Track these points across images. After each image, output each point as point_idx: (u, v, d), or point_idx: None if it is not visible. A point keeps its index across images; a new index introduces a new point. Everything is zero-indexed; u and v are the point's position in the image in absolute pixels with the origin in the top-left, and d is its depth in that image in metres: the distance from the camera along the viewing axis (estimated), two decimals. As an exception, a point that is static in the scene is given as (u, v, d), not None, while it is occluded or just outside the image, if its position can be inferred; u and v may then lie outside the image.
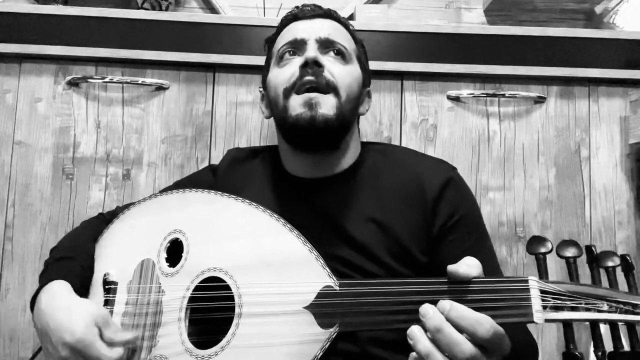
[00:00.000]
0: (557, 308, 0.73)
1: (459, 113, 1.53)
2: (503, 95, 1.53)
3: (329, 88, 1.07)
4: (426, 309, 0.74)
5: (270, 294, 0.92)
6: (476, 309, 0.73)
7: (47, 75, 1.51)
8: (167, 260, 1.05)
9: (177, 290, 1.00)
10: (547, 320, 0.73)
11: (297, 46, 1.14)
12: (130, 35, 1.49)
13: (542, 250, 0.81)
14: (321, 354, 0.85)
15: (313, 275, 0.90)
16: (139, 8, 1.83)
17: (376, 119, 1.53)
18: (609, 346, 0.74)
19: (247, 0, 1.99)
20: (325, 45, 1.13)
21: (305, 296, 0.89)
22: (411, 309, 0.78)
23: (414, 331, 0.74)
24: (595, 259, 0.77)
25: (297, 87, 1.08)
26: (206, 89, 1.53)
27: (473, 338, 0.71)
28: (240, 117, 1.53)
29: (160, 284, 1.03)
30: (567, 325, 0.75)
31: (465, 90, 1.53)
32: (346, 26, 1.21)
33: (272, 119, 1.20)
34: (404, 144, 1.51)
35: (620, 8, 1.82)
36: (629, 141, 1.50)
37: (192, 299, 0.99)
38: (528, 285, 0.75)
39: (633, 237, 1.49)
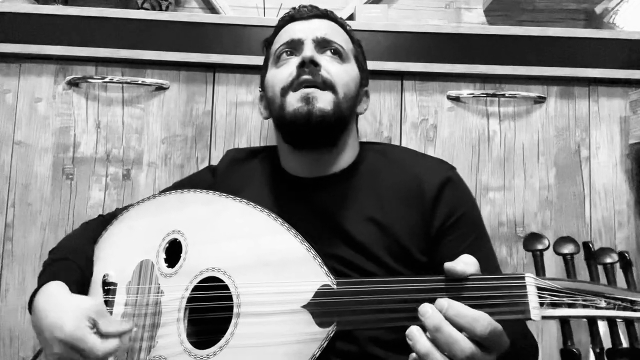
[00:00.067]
0: (554, 305, 0.73)
1: (459, 113, 1.53)
2: (503, 95, 1.52)
3: (326, 86, 1.08)
4: (425, 308, 0.74)
5: (268, 293, 0.92)
6: (473, 307, 0.73)
7: (47, 75, 1.51)
8: (166, 260, 1.05)
9: (176, 290, 1.01)
10: (544, 317, 0.73)
11: (295, 46, 1.14)
12: (130, 35, 1.50)
13: (539, 247, 0.80)
14: (319, 352, 0.86)
15: (311, 274, 0.90)
16: (139, 8, 1.83)
17: (376, 119, 1.53)
18: (607, 343, 0.73)
19: (247, 0, 1.99)
20: (322, 45, 1.14)
21: (303, 295, 0.89)
22: (409, 307, 0.78)
23: (413, 331, 0.74)
24: (593, 256, 0.77)
25: (294, 85, 1.08)
26: (206, 89, 1.53)
27: (471, 335, 0.71)
28: (240, 117, 1.53)
29: (159, 284, 1.03)
30: (565, 322, 0.75)
31: (465, 90, 1.53)
32: (343, 26, 1.22)
33: (271, 119, 1.20)
34: (404, 144, 1.51)
35: (620, 8, 1.82)
36: (629, 141, 1.50)
37: (190, 299, 0.99)
38: (525, 282, 0.74)
39: (633, 237, 1.49)
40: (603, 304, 0.72)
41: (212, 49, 1.50)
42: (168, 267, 1.04)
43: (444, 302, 0.73)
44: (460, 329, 0.71)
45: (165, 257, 1.05)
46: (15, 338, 1.44)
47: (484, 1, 1.98)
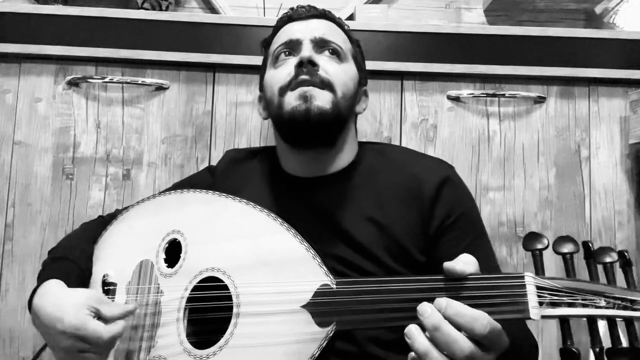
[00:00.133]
0: (553, 304, 0.72)
1: (459, 113, 1.53)
2: (503, 95, 1.52)
3: (324, 85, 1.08)
4: (424, 308, 0.74)
5: (268, 293, 0.92)
6: (473, 306, 0.73)
7: (47, 75, 1.51)
8: (166, 260, 1.05)
9: (175, 290, 1.00)
10: (543, 317, 0.73)
11: (293, 47, 1.15)
12: (130, 35, 1.50)
13: (539, 246, 0.80)
14: (319, 352, 0.86)
15: (310, 273, 0.90)
16: (139, 8, 1.83)
17: (376, 119, 1.53)
18: (607, 343, 0.73)
19: (247, 0, 1.99)
20: (320, 45, 1.14)
21: (303, 295, 0.89)
22: (408, 306, 0.78)
23: (412, 330, 0.74)
24: (593, 255, 0.77)
25: (292, 85, 1.08)
26: (206, 89, 1.53)
27: (470, 335, 0.71)
28: (240, 117, 1.53)
29: (158, 284, 1.03)
30: (564, 321, 0.75)
31: (465, 90, 1.53)
32: (341, 26, 1.22)
33: (270, 120, 1.20)
34: (404, 144, 1.51)
35: (620, 8, 1.82)
36: (629, 141, 1.50)
37: (190, 299, 0.99)
38: (524, 282, 0.74)
39: (633, 237, 1.49)
40: (603, 303, 0.71)
41: (212, 49, 1.50)
42: (168, 267, 1.04)
43: (443, 301, 0.73)
44: (459, 328, 0.71)
45: (165, 257, 1.05)
46: (15, 338, 1.44)
47: (484, 1, 1.99)
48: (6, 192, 1.48)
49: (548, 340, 1.44)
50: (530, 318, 0.73)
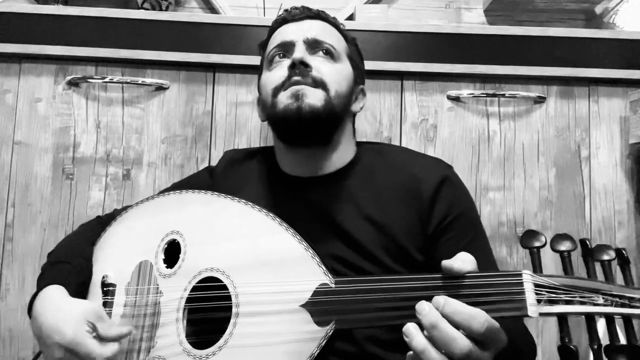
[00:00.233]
0: (551, 302, 0.72)
1: (459, 113, 1.53)
2: (503, 95, 1.52)
3: (316, 84, 1.09)
4: (422, 306, 0.74)
5: (267, 292, 0.92)
6: (471, 304, 0.73)
7: (47, 75, 1.51)
8: (165, 261, 1.05)
9: (174, 291, 1.00)
10: (541, 314, 0.73)
11: (286, 48, 1.16)
12: (130, 35, 1.50)
13: (536, 244, 0.81)
14: (318, 351, 0.86)
15: (309, 273, 0.90)
16: (139, 8, 1.83)
17: (376, 119, 1.53)
18: (605, 341, 0.73)
19: (247, 0, 1.99)
20: (313, 45, 1.15)
21: (302, 294, 0.89)
22: (407, 305, 0.78)
23: (409, 328, 0.74)
24: (590, 253, 0.77)
25: (285, 85, 1.10)
26: (206, 89, 1.53)
27: (468, 333, 0.71)
28: (240, 117, 1.53)
29: (158, 285, 1.03)
30: (562, 318, 0.75)
31: (465, 90, 1.53)
32: (336, 25, 1.23)
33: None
34: (404, 144, 1.51)
35: (620, 8, 1.82)
36: (629, 141, 1.50)
37: (189, 300, 0.99)
38: (522, 279, 0.75)
39: (633, 237, 1.49)
40: (601, 300, 0.71)
41: (212, 49, 1.50)
42: (167, 267, 1.04)
43: (441, 299, 0.73)
44: (457, 326, 0.71)
45: (164, 257, 1.05)
46: (15, 338, 1.44)
47: (484, 1, 1.98)
48: (6, 192, 1.48)
49: (548, 340, 1.44)
50: (528, 315, 0.73)
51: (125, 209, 1.18)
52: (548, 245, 0.81)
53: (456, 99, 1.53)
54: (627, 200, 1.50)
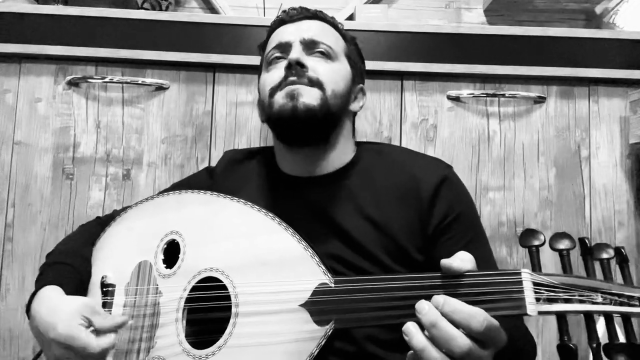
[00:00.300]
0: (550, 300, 0.72)
1: (459, 113, 1.53)
2: (503, 95, 1.52)
3: (313, 83, 1.10)
4: (422, 305, 0.74)
5: (266, 292, 0.92)
6: (470, 303, 0.73)
7: (47, 75, 1.52)
8: (164, 261, 1.05)
9: (174, 291, 1.00)
10: (540, 313, 0.73)
11: (284, 49, 1.16)
12: (130, 35, 1.50)
13: (535, 242, 0.81)
14: (317, 351, 0.86)
15: (308, 272, 0.90)
16: (138, 8, 1.83)
17: (376, 119, 1.53)
18: (604, 340, 0.73)
19: (247, 0, 1.99)
20: (310, 46, 1.15)
21: (301, 294, 0.89)
22: (406, 304, 0.78)
23: (409, 327, 0.74)
24: (589, 251, 0.77)
25: (281, 86, 1.10)
26: (206, 89, 1.53)
27: (467, 331, 0.71)
28: (240, 117, 1.53)
29: (157, 285, 1.03)
30: (561, 317, 0.75)
31: (465, 90, 1.53)
32: (334, 25, 1.23)
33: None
34: (404, 144, 1.51)
35: (620, 8, 1.82)
36: (629, 141, 1.50)
37: (189, 300, 0.99)
38: (521, 278, 0.75)
39: (633, 237, 1.49)
40: (600, 299, 0.71)
41: (212, 49, 1.50)
42: (166, 267, 1.04)
43: (440, 298, 0.74)
44: (456, 325, 0.72)
45: (163, 258, 1.05)
46: (15, 338, 1.44)
47: (484, 1, 1.99)
48: (6, 192, 1.48)
49: (548, 339, 1.44)
50: (527, 314, 0.73)
51: (124, 209, 1.18)
52: (547, 244, 0.81)
53: (456, 99, 1.53)
54: (627, 200, 1.50)
